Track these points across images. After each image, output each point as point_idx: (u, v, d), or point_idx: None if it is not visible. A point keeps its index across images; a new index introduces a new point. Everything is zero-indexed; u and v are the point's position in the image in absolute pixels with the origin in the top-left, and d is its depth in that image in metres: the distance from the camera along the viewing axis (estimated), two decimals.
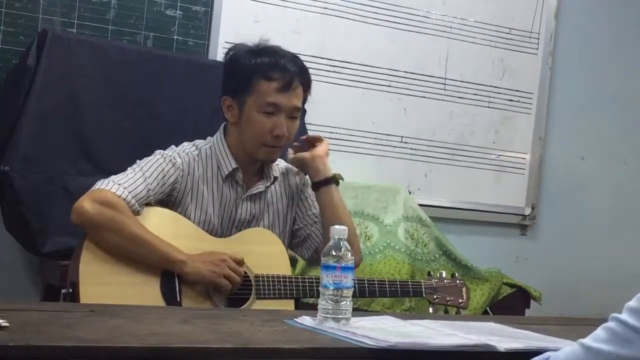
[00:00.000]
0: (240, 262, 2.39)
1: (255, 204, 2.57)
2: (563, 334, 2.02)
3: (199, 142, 2.56)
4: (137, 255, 2.33)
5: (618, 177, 4.67)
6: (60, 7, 3.46)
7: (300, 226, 2.66)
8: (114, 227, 2.31)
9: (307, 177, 2.70)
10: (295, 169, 2.70)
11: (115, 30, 3.55)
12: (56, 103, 3.25)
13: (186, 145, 2.55)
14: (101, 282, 2.31)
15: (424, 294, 2.67)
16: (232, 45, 2.66)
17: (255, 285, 2.42)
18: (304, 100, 2.57)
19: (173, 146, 2.55)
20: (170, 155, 2.47)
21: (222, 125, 2.58)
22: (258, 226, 2.57)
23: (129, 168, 2.44)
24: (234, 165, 2.51)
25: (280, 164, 2.66)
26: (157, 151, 2.50)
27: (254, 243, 2.49)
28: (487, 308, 3.83)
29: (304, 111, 3.82)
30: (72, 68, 3.28)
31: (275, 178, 2.60)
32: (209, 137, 2.58)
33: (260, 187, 2.57)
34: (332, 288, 1.89)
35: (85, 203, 2.32)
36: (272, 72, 2.46)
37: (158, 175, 2.42)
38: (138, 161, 2.46)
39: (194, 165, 2.49)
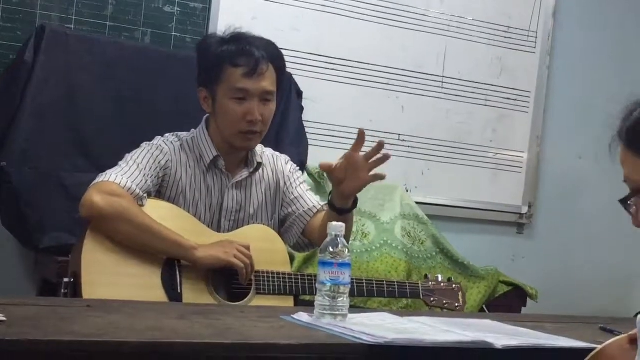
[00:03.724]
0: (247, 247, 2.41)
1: (241, 192, 2.58)
2: (559, 332, 2.03)
3: (181, 133, 2.59)
4: (148, 243, 2.35)
5: (615, 176, 4.65)
6: (58, 3, 3.45)
7: (288, 212, 2.64)
8: (125, 217, 2.34)
9: (295, 166, 2.71)
10: (285, 158, 2.69)
11: (113, 27, 3.55)
12: (53, 99, 3.25)
13: (168, 135, 2.58)
14: (103, 272, 2.32)
15: (421, 295, 2.67)
16: (204, 37, 2.66)
17: (255, 280, 2.43)
18: (279, 84, 2.56)
19: (158, 136, 2.57)
20: (156, 144, 2.52)
21: (205, 117, 2.60)
22: (246, 213, 2.58)
23: (120, 162, 2.47)
24: (215, 153, 2.53)
25: (266, 151, 2.67)
26: (143, 143, 2.53)
27: (254, 239, 2.49)
28: (484, 306, 3.83)
29: (301, 108, 3.83)
30: (69, 64, 3.29)
31: (259, 164, 2.60)
32: (192, 129, 2.60)
33: (244, 174, 2.58)
34: (329, 284, 1.89)
35: (94, 195, 2.34)
36: (238, 58, 2.47)
37: (149, 161, 2.46)
38: (127, 155, 2.49)
39: (180, 152, 2.52)
